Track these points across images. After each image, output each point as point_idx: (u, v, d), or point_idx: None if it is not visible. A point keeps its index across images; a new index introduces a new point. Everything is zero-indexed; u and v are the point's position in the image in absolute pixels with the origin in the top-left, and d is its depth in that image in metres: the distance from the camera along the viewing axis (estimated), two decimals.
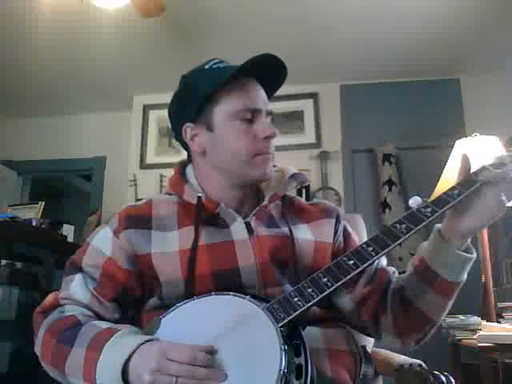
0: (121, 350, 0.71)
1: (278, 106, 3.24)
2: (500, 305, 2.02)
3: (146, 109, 3.65)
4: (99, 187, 3.80)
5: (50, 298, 0.88)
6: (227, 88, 0.90)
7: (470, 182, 0.81)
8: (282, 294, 0.76)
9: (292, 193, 1.00)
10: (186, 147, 0.99)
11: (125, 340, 0.73)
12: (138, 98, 3.70)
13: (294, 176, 0.99)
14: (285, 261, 0.89)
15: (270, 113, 0.94)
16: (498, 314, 1.97)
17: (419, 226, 0.77)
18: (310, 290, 0.74)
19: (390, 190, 3.17)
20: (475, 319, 1.86)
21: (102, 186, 3.80)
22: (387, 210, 3.12)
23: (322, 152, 3.37)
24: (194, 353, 0.68)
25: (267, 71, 0.92)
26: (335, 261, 0.78)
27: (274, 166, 0.96)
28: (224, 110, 0.90)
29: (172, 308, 0.80)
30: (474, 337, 1.71)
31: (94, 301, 0.86)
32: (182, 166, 1.01)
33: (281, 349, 0.66)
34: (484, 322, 1.87)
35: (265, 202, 0.94)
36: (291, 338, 0.71)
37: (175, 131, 0.98)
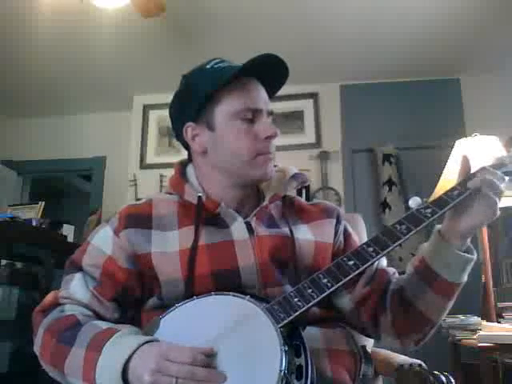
0: (121, 351, 0.71)
1: (278, 106, 3.23)
2: (500, 305, 2.02)
3: (146, 109, 3.65)
4: (99, 187, 3.80)
5: (49, 296, 0.88)
6: (228, 88, 0.89)
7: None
8: (282, 295, 0.76)
9: (292, 193, 0.99)
10: (186, 147, 0.99)
11: (125, 340, 0.73)
12: (137, 97, 3.70)
13: (294, 176, 0.99)
14: (285, 261, 0.88)
15: (271, 113, 0.94)
16: (498, 314, 1.97)
17: (419, 227, 0.77)
18: (310, 290, 0.74)
19: (390, 190, 3.17)
20: (475, 319, 1.86)
21: (101, 186, 3.79)
22: (387, 210, 3.12)
23: (321, 152, 3.37)
24: (194, 353, 0.67)
25: (268, 71, 0.92)
26: (335, 261, 0.78)
27: (275, 166, 0.96)
28: (225, 109, 0.90)
29: (171, 308, 0.80)
30: (474, 337, 1.70)
31: (93, 300, 0.85)
32: (182, 166, 1.00)
33: (281, 349, 0.66)
34: (484, 322, 1.87)
35: (265, 203, 0.93)
36: (291, 338, 0.71)
37: (176, 131, 0.98)
